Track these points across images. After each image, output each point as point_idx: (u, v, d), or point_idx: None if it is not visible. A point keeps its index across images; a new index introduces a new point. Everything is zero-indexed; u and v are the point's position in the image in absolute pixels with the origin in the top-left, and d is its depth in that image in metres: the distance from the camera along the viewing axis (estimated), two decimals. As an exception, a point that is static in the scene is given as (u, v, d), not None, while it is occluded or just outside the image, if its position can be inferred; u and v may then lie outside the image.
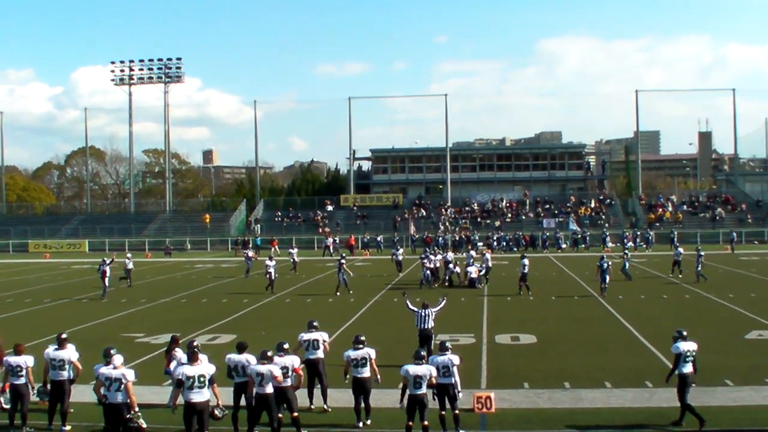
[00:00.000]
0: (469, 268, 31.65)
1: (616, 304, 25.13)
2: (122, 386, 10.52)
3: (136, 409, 10.65)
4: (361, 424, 11.81)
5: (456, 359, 11.59)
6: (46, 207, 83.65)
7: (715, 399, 12.98)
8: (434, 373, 11.14)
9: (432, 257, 32.87)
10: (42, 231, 70.30)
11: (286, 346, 11.78)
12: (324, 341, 13.29)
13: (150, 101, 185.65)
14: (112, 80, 75.01)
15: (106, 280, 30.16)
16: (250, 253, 40.04)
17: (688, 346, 11.79)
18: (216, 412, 10.81)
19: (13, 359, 11.99)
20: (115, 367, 10.67)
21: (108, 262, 30.95)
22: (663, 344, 17.63)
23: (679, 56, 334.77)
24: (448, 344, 11.86)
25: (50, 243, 66.48)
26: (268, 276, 30.89)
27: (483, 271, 32.17)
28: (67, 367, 11.93)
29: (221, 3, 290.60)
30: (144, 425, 10.84)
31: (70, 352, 12.06)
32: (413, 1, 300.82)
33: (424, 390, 10.87)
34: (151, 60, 74.62)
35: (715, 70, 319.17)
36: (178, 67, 74.78)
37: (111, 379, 10.60)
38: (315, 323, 13.56)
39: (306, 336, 13.23)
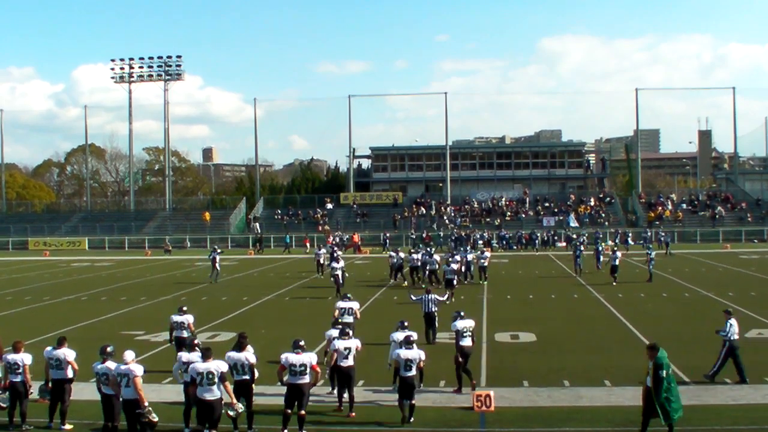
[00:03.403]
0: (452, 266, 31.07)
1: (615, 302, 25.14)
2: (130, 382, 10.56)
3: (146, 403, 10.67)
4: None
5: (414, 335, 12.98)
6: (46, 205, 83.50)
7: (714, 397, 13.00)
8: (423, 357, 12.23)
9: (414, 256, 32.04)
10: (42, 229, 70.31)
11: (302, 343, 11.81)
12: (356, 309, 17.00)
13: (150, 99, 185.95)
14: (112, 78, 74.83)
15: (217, 265, 34.29)
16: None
17: (465, 324, 13.89)
18: (229, 411, 10.68)
19: (11, 357, 12.03)
20: (125, 363, 10.71)
21: (219, 251, 35.80)
22: (662, 342, 17.54)
23: (680, 55, 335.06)
24: (406, 323, 13.78)
25: (50, 241, 66.49)
26: (333, 279, 28.32)
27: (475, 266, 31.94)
28: (64, 366, 11.95)
29: (222, 1, 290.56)
30: (155, 419, 10.83)
31: (66, 351, 12.08)
32: (414, 1, 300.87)
33: (413, 372, 11.91)
34: (151, 58, 74.36)
35: (716, 69, 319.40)
36: (178, 65, 74.59)
37: (120, 375, 10.64)
38: (349, 295, 17.63)
39: (342, 304, 17.05)
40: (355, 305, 17.05)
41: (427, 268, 30.86)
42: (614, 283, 30.11)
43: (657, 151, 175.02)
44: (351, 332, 13.12)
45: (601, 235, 54.24)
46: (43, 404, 12.81)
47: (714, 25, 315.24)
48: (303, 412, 11.23)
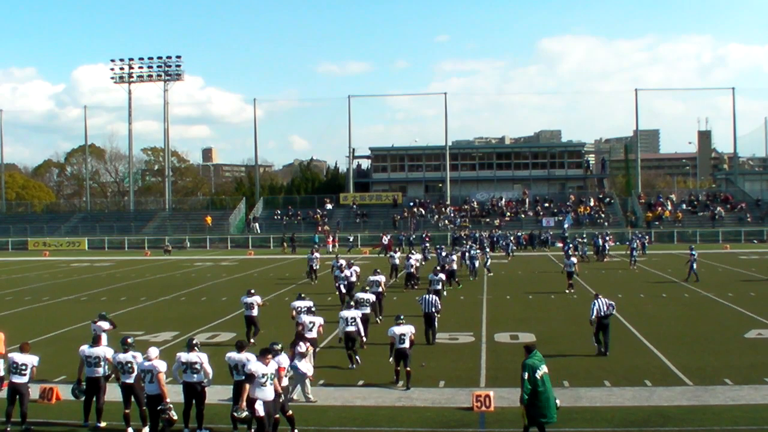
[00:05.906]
0: (410, 262, 30.71)
1: (615, 302, 25.06)
2: (154, 377, 10.70)
3: (168, 400, 10.76)
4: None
5: (359, 313, 15.88)
6: (46, 205, 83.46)
7: (714, 398, 12.98)
8: (413, 330, 14.23)
9: (410, 256, 31.70)
10: (41, 229, 70.28)
11: (277, 347, 11.75)
12: (383, 283, 20.78)
13: (150, 99, 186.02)
14: (112, 78, 74.84)
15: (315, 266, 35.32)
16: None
17: (350, 314, 15.56)
18: (235, 413, 10.55)
19: (18, 357, 12.01)
20: (149, 359, 10.83)
21: (315, 254, 35.92)
22: (662, 343, 17.66)
23: (680, 55, 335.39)
24: (352, 303, 16.33)
25: (49, 241, 66.47)
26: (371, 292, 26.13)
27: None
28: (102, 363, 11.98)
29: (223, 1, 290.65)
30: (175, 417, 10.88)
31: (105, 349, 12.12)
32: (414, 1, 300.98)
33: (406, 345, 13.82)
34: (151, 58, 74.43)
35: (716, 70, 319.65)
36: (178, 65, 74.63)
37: (144, 371, 10.81)
38: (378, 270, 21.55)
39: (372, 277, 20.98)
40: (381, 278, 21.02)
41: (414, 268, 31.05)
42: (567, 291, 27.98)
43: (657, 151, 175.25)
44: (315, 309, 15.73)
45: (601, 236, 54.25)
46: (43, 404, 12.84)
47: (714, 25, 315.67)
48: (290, 412, 11.21)
